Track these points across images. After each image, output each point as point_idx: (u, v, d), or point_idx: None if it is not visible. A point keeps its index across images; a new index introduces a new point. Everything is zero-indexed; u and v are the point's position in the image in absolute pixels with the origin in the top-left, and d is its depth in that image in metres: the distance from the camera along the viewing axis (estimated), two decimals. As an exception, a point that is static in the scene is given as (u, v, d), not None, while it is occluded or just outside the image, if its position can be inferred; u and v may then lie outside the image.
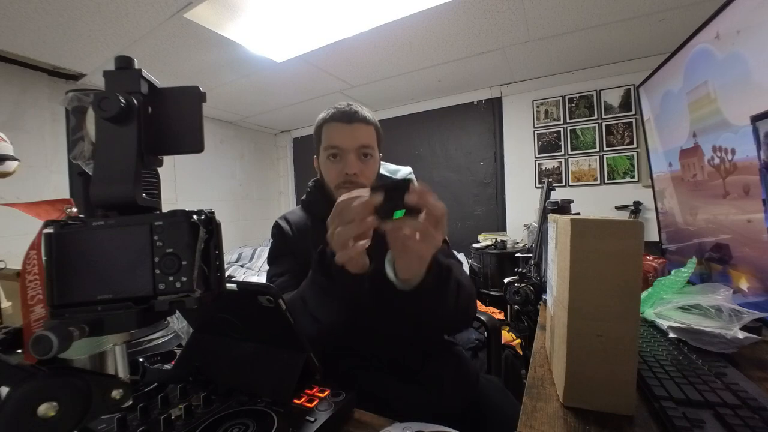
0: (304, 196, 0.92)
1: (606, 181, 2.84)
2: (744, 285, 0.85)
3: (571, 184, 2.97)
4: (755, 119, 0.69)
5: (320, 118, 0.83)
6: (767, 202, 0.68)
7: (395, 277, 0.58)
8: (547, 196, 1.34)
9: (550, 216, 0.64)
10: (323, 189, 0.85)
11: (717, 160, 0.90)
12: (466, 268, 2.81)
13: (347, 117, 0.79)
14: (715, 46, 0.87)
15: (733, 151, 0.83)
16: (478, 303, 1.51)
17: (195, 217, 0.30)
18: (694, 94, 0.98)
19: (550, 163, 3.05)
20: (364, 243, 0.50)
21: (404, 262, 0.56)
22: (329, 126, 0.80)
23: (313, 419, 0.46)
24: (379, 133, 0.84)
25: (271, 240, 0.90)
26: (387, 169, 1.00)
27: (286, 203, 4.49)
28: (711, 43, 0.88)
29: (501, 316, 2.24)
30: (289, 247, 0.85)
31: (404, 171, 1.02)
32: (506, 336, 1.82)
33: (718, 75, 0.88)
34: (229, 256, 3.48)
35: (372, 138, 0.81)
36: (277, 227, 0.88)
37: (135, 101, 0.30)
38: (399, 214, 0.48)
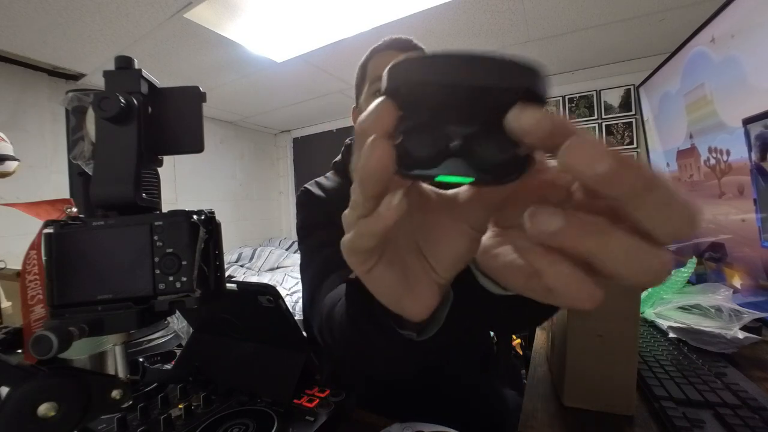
0: (339, 156, 0.76)
1: (606, 181, 2.84)
2: (737, 282, 0.85)
3: (570, 184, 2.97)
4: (746, 122, 0.69)
5: (369, 52, 0.71)
6: (758, 202, 0.68)
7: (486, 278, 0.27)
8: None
9: (550, 216, 0.63)
10: None
11: (713, 161, 0.91)
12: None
13: (401, 45, 0.67)
14: (712, 49, 0.88)
15: (728, 152, 0.84)
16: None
17: (195, 217, 0.30)
18: (691, 95, 0.99)
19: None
20: (389, 216, 0.16)
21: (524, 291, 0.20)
22: (379, 56, 0.68)
23: (313, 419, 0.46)
24: None
25: (299, 212, 0.76)
26: None
27: (286, 203, 4.49)
28: (707, 46, 0.89)
29: (501, 316, 2.24)
30: (326, 213, 0.69)
31: None
32: (506, 336, 1.82)
33: (714, 77, 0.88)
34: (229, 256, 3.48)
35: None
36: (305, 194, 0.75)
37: (135, 101, 0.30)
38: (458, 179, 0.16)
